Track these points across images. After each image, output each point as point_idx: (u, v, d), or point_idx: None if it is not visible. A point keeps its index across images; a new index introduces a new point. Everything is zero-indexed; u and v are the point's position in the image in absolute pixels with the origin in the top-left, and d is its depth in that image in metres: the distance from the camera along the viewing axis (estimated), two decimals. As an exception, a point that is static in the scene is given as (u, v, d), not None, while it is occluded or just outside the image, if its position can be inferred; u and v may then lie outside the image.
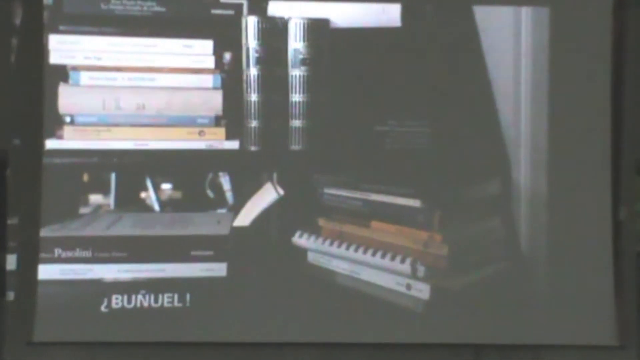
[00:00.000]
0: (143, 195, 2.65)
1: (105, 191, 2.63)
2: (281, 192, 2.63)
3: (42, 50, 2.57)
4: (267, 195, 2.64)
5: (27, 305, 2.51)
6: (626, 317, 2.62)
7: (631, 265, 2.64)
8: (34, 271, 2.52)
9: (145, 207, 2.63)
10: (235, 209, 2.63)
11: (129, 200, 2.64)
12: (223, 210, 2.64)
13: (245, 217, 2.63)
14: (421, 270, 2.55)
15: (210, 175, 2.65)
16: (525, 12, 2.68)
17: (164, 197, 2.65)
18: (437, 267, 2.58)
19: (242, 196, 2.63)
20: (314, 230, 2.65)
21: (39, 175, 2.54)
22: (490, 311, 2.61)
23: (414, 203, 2.59)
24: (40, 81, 2.57)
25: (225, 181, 2.65)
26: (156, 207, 2.64)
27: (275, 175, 2.64)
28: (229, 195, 2.65)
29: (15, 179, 2.58)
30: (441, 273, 2.58)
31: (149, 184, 2.63)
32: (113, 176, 2.62)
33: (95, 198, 2.62)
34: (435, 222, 2.59)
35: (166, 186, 2.65)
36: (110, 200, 2.63)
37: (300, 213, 2.65)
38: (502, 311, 2.62)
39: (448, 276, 2.58)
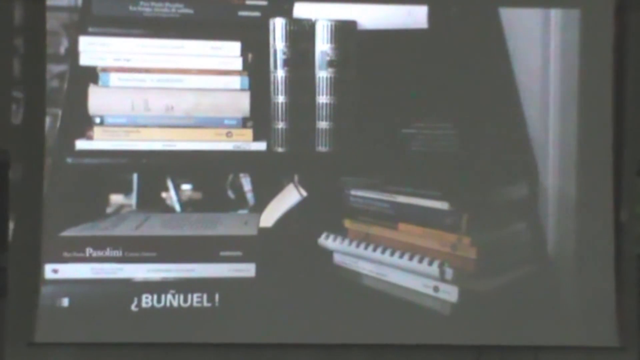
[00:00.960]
0: (164, 195, 2.66)
1: (126, 191, 2.65)
2: (304, 193, 2.64)
3: (44, 51, 2.59)
4: (290, 197, 2.64)
5: (28, 306, 2.53)
6: (627, 318, 2.62)
7: (632, 267, 2.64)
8: (37, 272, 2.53)
9: (166, 208, 2.65)
10: (256, 210, 2.64)
11: (150, 201, 2.65)
12: (244, 211, 2.65)
13: (268, 218, 2.64)
14: (449, 272, 2.55)
15: (231, 176, 2.66)
16: (555, 14, 2.67)
17: (184, 197, 2.66)
18: (466, 270, 2.58)
19: (263, 197, 2.65)
20: (340, 232, 2.65)
21: (40, 175, 2.56)
22: (518, 314, 2.61)
23: (442, 205, 2.59)
24: (42, 82, 2.59)
25: (246, 182, 2.67)
26: (177, 207, 2.66)
27: (296, 177, 2.65)
28: (249, 196, 2.67)
29: (17, 180, 2.60)
30: (469, 276, 2.58)
31: (170, 184, 2.65)
32: (135, 177, 2.64)
33: (116, 198, 2.64)
34: (464, 225, 2.59)
35: (186, 187, 2.67)
36: (132, 200, 2.65)
37: (326, 215, 2.65)
38: (529, 314, 2.62)
39: (476, 279, 2.58)
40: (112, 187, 2.64)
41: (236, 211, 2.66)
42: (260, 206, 2.64)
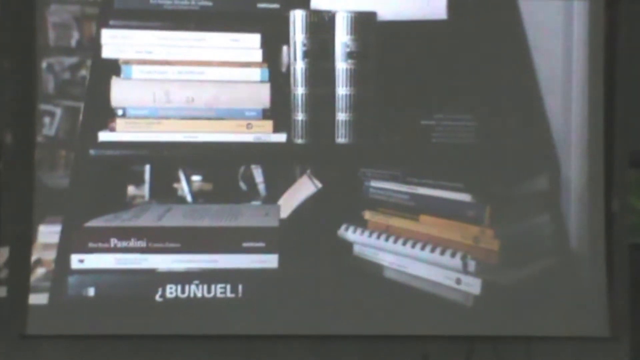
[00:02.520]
0: (176, 186, 2.67)
1: (137, 182, 2.67)
2: (319, 185, 2.65)
3: (34, 48, 2.59)
4: (304, 188, 2.65)
5: (20, 299, 2.55)
6: (618, 308, 2.62)
7: (623, 257, 2.63)
8: (27, 265, 2.55)
9: (178, 199, 2.67)
10: (268, 201, 2.66)
11: (162, 192, 2.67)
12: (257, 203, 2.67)
13: (283, 209, 2.65)
14: (472, 264, 2.55)
15: (243, 168, 2.68)
16: (578, 4, 2.66)
17: (195, 188, 2.67)
18: (488, 262, 2.58)
19: (275, 189, 2.66)
20: (360, 223, 2.66)
21: (31, 168, 2.57)
22: (541, 306, 2.61)
23: (464, 197, 2.59)
24: (33, 76, 2.59)
25: (257, 174, 2.68)
26: (189, 198, 2.68)
27: (309, 169, 2.65)
28: (261, 188, 2.68)
29: (7, 173, 2.60)
30: (492, 268, 2.58)
31: (181, 175, 2.66)
32: (147, 168, 2.65)
33: (130, 189, 2.66)
34: (487, 217, 2.58)
35: (197, 178, 2.68)
36: (145, 191, 2.67)
37: (345, 206, 2.66)
38: (553, 305, 2.62)
39: (499, 271, 2.58)
40: (129, 178, 2.65)
41: (249, 202, 2.67)
42: (272, 198, 2.66)
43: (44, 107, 2.62)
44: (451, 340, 2.62)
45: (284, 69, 2.67)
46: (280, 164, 2.68)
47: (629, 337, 2.63)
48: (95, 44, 2.62)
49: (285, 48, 2.66)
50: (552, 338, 2.61)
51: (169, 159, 2.64)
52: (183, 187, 2.67)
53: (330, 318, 2.61)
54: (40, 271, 2.59)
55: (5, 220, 2.59)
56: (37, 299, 2.56)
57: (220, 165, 2.68)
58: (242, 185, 2.67)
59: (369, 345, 2.64)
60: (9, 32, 2.65)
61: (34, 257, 2.59)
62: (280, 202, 2.65)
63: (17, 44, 2.63)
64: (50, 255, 2.58)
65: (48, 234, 2.59)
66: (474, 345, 2.62)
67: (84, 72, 2.63)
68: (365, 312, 2.61)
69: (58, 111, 2.63)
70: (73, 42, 2.63)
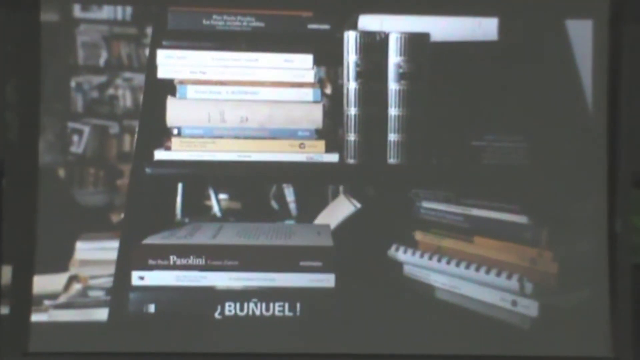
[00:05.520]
0: (207, 203, 2.70)
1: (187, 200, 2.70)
2: (358, 204, 2.65)
3: (39, 63, 2.59)
4: (342, 208, 2.66)
5: (22, 318, 2.55)
6: (621, 329, 2.59)
7: (626, 277, 2.61)
8: (29, 283, 2.56)
9: (210, 217, 2.69)
10: (300, 220, 2.68)
11: (193, 210, 2.70)
12: (291, 222, 2.69)
13: (325, 229, 2.67)
14: (529, 286, 2.54)
15: (274, 187, 2.68)
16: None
17: (224, 207, 2.70)
18: (546, 284, 2.57)
19: (306, 208, 2.68)
20: (411, 244, 2.66)
21: (35, 185, 2.58)
22: (600, 327, 2.60)
23: (521, 219, 2.58)
24: (37, 88, 2.60)
25: (289, 192, 2.70)
26: (218, 216, 2.71)
27: (341, 187, 2.67)
28: (292, 207, 2.69)
29: (10, 191, 2.59)
30: (550, 290, 2.57)
31: (211, 193, 2.69)
32: (180, 185, 2.68)
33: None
34: (544, 239, 2.58)
35: (224, 196, 2.70)
36: (177, 209, 2.71)
37: (396, 226, 2.66)
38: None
39: (558, 294, 2.57)
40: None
41: (283, 221, 2.70)
42: (303, 217, 2.68)
43: (72, 125, 2.66)
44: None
45: (332, 90, 2.69)
46: (333, 184, 2.70)
47: (632, 358, 2.60)
48: (149, 64, 2.66)
49: (338, 69, 2.68)
50: (556, 358, 2.59)
51: (220, 177, 2.67)
52: (213, 205, 2.68)
53: (385, 337, 2.61)
54: (76, 287, 2.62)
55: (8, 239, 2.57)
56: (75, 315, 2.58)
57: (271, 185, 2.71)
58: (274, 204, 2.69)
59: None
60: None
61: (70, 273, 2.61)
62: (317, 220, 2.66)
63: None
64: (87, 272, 2.61)
65: (85, 250, 2.62)
66: None
67: (112, 91, 2.67)
68: (419, 332, 2.61)
69: (86, 129, 2.67)
70: (101, 62, 2.68)
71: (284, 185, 2.69)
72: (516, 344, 2.56)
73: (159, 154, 2.64)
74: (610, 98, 2.66)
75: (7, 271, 2.59)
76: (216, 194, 2.70)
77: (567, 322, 2.59)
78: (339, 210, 2.66)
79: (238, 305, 2.59)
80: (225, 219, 2.72)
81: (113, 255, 2.58)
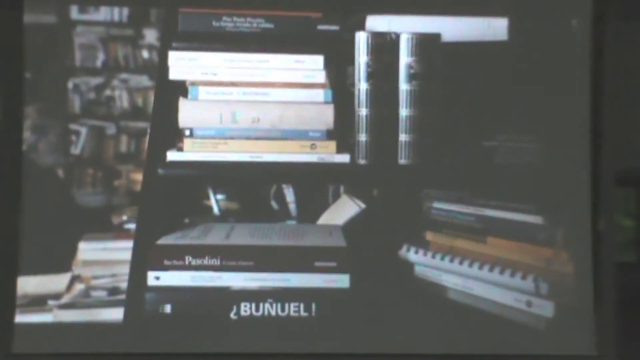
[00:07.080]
0: (206, 203, 2.69)
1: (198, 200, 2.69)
2: (362, 205, 2.65)
3: (21, 60, 2.59)
4: (345, 209, 2.66)
5: (6, 319, 2.54)
6: (604, 327, 2.59)
7: (610, 276, 2.61)
8: (13, 283, 2.55)
9: (211, 217, 2.68)
10: (300, 221, 2.67)
11: (195, 210, 2.69)
12: (292, 222, 2.68)
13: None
14: (544, 287, 2.53)
15: (274, 187, 2.69)
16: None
17: (223, 207, 2.69)
18: (562, 285, 2.57)
19: (306, 208, 2.67)
20: (422, 244, 2.65)
21: (18, 186, 2.57)
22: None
23: (535, 220, 2.58)
24: (19, 89, 2.59)
25: (288, 193, 2.69)
26: (217, 216, 2.69)
27: (342, 188, 2.66)
28: (292, 207, 2.69)
29: None
30: (566, 291, 2.57)
31: (210, 194, 2.68)
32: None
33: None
34: (559, 239, 2.57)
35: (221, 197, 2.69)
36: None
37: (407, 227, 2.66)
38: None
39: (574, 294, 2.57)
40: (192, 196, 2.67)
41: (283, 221, 2.68)
42: (303, 217, 2.67)
43: (70, 126, 2.65)
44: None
45: (342, 90, 2.68)
46: (344, 185, 2.70)
47: (615, 355, 2.60)
48: (160, 66, 2.66)
49: (348, 69, 2.68)
50: (540, 356, 2.59)
51: (233, 178, 2.66)
52: (213, 206, 2.68)
53: (399, 337, 2.61)
54: (79, 287, 2.61)
55: None
56: (80, 314, 2.58)
57: (284, 185, 2.71)
58: (274, 204, 2.69)
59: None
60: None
61: (73, 273, 2.60)
62: (321, 221, 2.66)
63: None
64: (90, 272, 2.60)
65: (87, 251, 2.63)
66: None
67: (109, 92, 2.67)
68: (433, 332, 2.61)
69: (83, 130, 2.66)
70: (99, 63, 2.67)
71: (284, 186, 2.69)
72: (531, 344, 2.56)
73: (172, 155, 2.65)
74: (593, 98, 2.65)
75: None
76: (215, 194, 2.69)
77: (583, 323, 2.59)
78: (343, 210, 2.66)
79: (254, 305, 2.59)
80: (223, 218, 2.71)
81: (115, 255, 2.59)
